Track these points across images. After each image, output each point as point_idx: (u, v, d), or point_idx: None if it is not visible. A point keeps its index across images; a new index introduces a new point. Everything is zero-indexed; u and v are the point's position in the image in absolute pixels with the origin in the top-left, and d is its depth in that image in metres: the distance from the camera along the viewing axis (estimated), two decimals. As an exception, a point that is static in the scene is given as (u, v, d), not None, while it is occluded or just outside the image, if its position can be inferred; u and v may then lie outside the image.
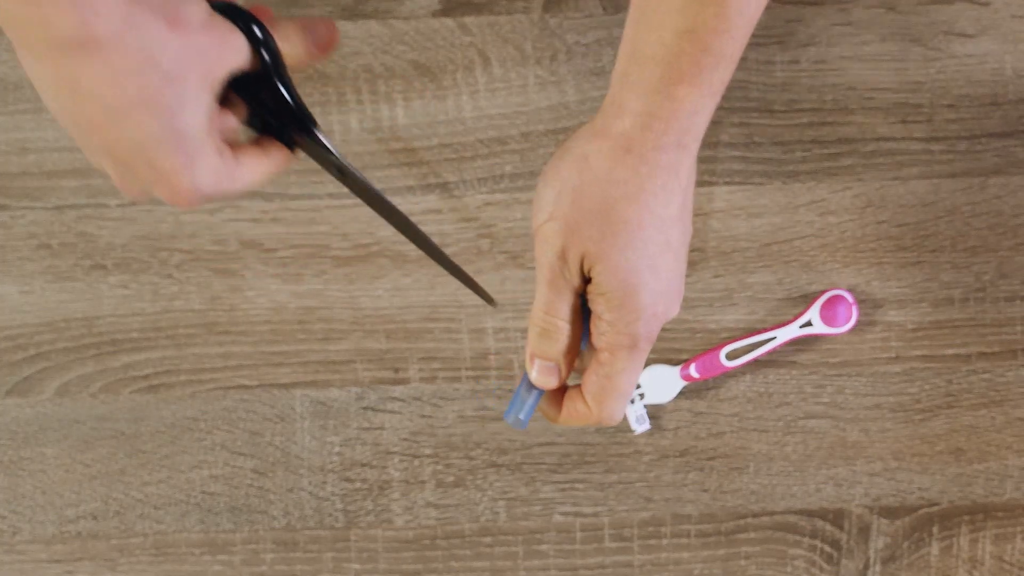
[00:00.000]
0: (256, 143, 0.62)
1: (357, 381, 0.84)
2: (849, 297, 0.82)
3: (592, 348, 0.63)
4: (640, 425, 0.83)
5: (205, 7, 0.57)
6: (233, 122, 0.60)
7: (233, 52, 0.57)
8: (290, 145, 0.63)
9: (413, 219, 0.83)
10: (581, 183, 0.59)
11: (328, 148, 0.63)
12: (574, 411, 0.64)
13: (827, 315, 0.82)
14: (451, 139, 0.83)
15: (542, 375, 0.63)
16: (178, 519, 0.84)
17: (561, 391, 0.65)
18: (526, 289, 0.83)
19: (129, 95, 0.54)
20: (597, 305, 0.61)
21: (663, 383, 0.83)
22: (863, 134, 0.83)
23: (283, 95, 0.61)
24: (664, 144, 0.59)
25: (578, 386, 0.64)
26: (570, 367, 0.64)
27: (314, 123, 0.62)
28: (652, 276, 0.60)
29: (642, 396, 0.83)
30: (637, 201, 0.59)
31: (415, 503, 0.84)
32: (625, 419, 0.83)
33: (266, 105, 0.61)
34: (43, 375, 0.83)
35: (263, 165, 0.61)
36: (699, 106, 0.59)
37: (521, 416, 0.65)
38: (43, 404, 0.83)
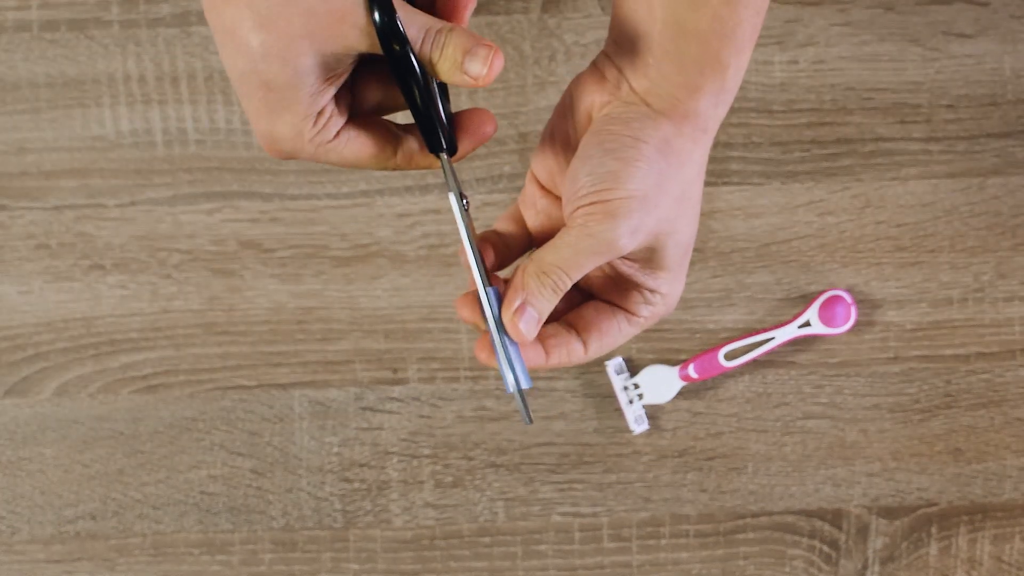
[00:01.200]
0: (371, 127, 0.59)
1: (356, 381, 0.84)
2: (848, 297, 0.82)
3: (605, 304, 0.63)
4: (639, 425, 0.83)
5: None
6: (349, 101, 0.58)
7: (350, 28, 0.55)
8: (436, 151, 0.60)
9: (412, 219, 0.83)
10: (667, 166, 0.59)
11: (448, 178, 0.60)
12: (564, 354, 0.62)
13: (826, 315, 0.82)
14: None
15: (529, 325, 0.61)
16: (177, 519, 0.84)
17: (543, 340, 0.64)
18: (525, 289, 0.83)
19: (241, 16, 0.55)
20: (653, 280, 0.61)
21: (662, 383, 0.83)
22: (862, 134, 0.83)
23: (415, 100, 0.57)
24: (723, 115, 0.60)
25: (570, 333, 0.63)
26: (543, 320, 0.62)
27: (441, 147, 0.59)
28: (691, 250, 0.62)
29: (641, 396, 0.83)
30: (701, 176, 0.60)
31: (414, 503, 0.84)
32: (623, 418, 0.83)
33: (412, 104, 0.57)
34: (42, 375, 0.83)
35: (365, 150, 0.59)
36: (746, 63, 0.60)
37: (521, 378, 0.64)
38: (42, 404, 0.83)
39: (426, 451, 0.84)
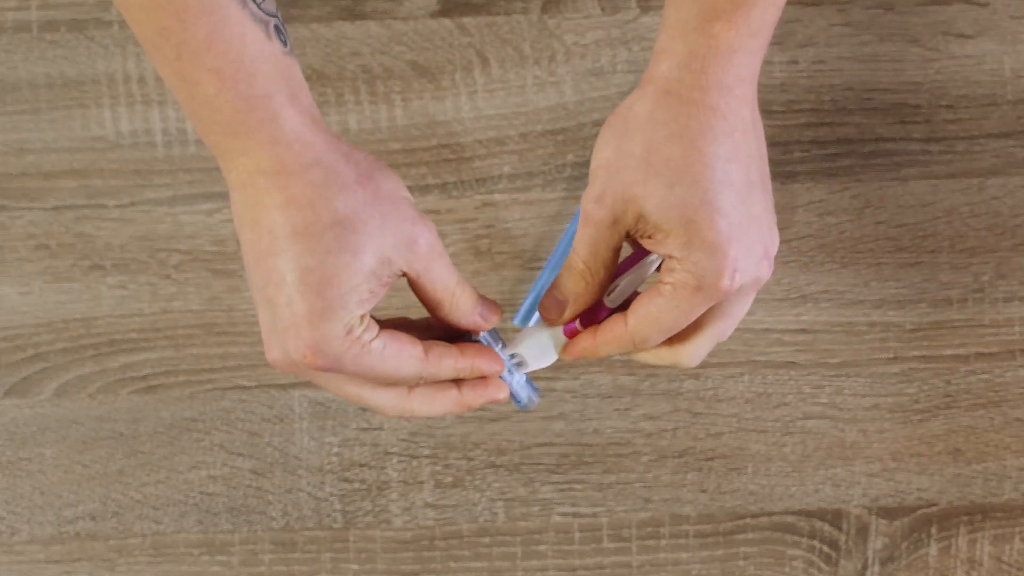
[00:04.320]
0: (397, 331, 0.62)
1: (355, 382, 0.84)
2: None
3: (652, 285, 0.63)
4: (526, 398, 0.69)
5: (408, 197, 0.60)
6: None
7: (408, 248, 0.59)
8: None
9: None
10: (625, 129, 0.60)
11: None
12: (611, 334, 0.64)
13: None
14: (449, 140, 0.83)
15: (547, 304, 0.65)
16: (176, 519, 0.84)
17: (591, 328, 0.65)
18: (523, 290, 0.83)
19: (295, 223, 0.57)
20: (665, 246, 0.61)
21: (540, 344, 0.69)
22: (862, 135, 0.83)
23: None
24: (704, 84, 0.60)
25: (622, 312, 0.64)
26: (580, 308, 0.64)
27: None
28: (714, 214, 0.59)
29: (520, 365, 0.68)
30: (681, 140, 0.60)
31: (413, 503, 0.84)
32: (512, 400, 0.70)
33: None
34: (42, 376, 0.83)
35: (404, 350, 0.61)
36: (737, 45, 0.59)
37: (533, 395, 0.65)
38: (42, 405, 0.83)
39: (426, 451, 0.84)
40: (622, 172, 0.60)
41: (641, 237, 0.61)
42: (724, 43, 0.59)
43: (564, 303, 0.64)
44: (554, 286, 0.64)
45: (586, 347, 0.65)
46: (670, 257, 0.61)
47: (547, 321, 0.65)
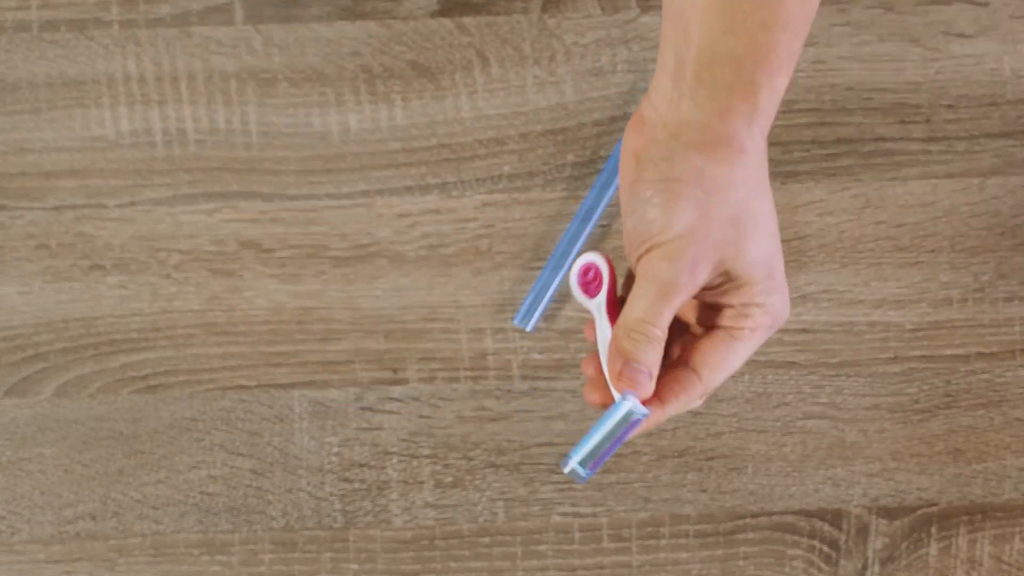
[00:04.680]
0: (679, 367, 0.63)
1: (356, 381, 0.84)
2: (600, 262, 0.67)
3: (710, 332, 0.64)
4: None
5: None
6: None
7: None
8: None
9: (412, 219, 0.84)
10: (706, 196, 0.60)
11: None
12: (679, 389, 0.63)
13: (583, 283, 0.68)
14: (449, 139, 0.83)
15: (639, 377, 0.63)
16: (176, 519, 0.84)
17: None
18: (524, 290, 0.83)
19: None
20: (742, 295, 0.62)
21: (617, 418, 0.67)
22: (862, 134, 0.83)
23: None
24: (766, 131, 0.61)
25: (683, 367, 0.64)
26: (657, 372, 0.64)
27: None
28: (780, 257, 0.62)
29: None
30: (758, 193, 0.61)
31: (413, 503, 0.84)
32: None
33: None
34: (41, 375, 0.83)
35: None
36: (786, 84, 0.61)
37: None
38: (41, 404, 0.83)
39: (426, 451, 0.84)
40: (712, 237, 0.60)
41: (706, 289, 0.62)
42: (781, 89, 0.60)
43: (648, 374, 0.62)
44: (631, 359, 0.62)
45: (659, 419, 0.64)
46: (745, 304, 0.62)
47: (641, 395, 0.63)
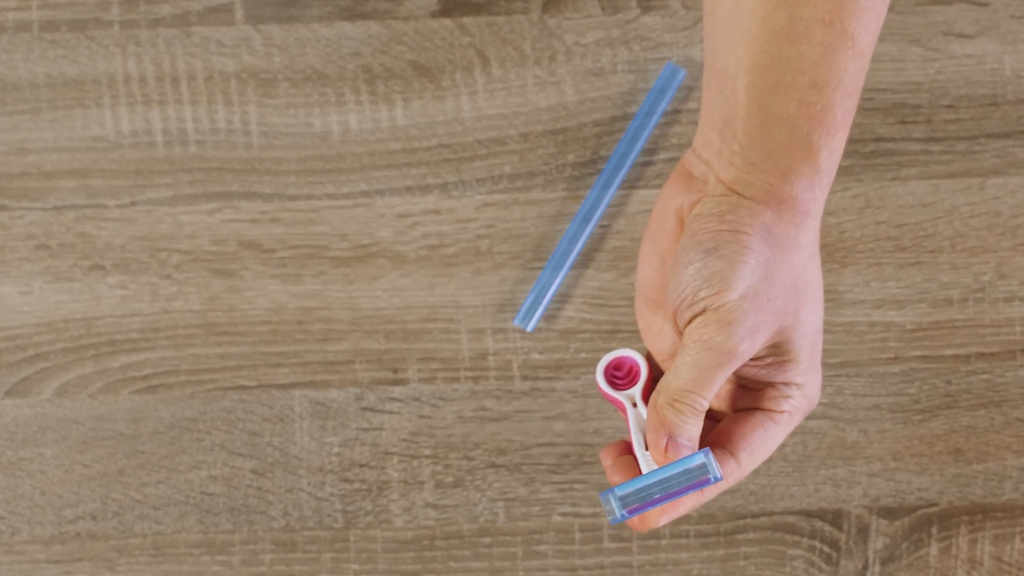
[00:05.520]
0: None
1: (356, 382, 0.84)
2: (635, 357, 0.62)
3: (745, 412, 0.60)
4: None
5: None
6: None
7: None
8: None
9: (412, 219, 0.84)
10: (772, 256, 0.56)
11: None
12: (725, 480, 0.59)
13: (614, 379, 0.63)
14: (450, 139, 0.83)
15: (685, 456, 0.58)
16: (177, 520, 0.84)
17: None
18: (524, 290, 0.83)
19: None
20: (786, 373, 0.58)
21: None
22: (862, 134, 0.83)
23: None
24: (826, 193, 0.57)
25: (719, 450, 0.59)
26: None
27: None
28: (822, 333, 0.59)
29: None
30: (815, 261, 0.58)
31: (414, 503, 0.84)
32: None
33: None
34: (42, 376, 0.83)
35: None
36: (843, 142, 0.57)
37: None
38: (42, 405, 0.83)
39: (426, 451, 0.84)
40: (775, 302, 0.56)
41: (750, 362, 0.58)
42: (839, 149, 0.57)
43: (690, 447, 0.57)
44: (676, 433, 0.57)
45: (699, 502, 0.60)
46: (787, 383, 0.58)
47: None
